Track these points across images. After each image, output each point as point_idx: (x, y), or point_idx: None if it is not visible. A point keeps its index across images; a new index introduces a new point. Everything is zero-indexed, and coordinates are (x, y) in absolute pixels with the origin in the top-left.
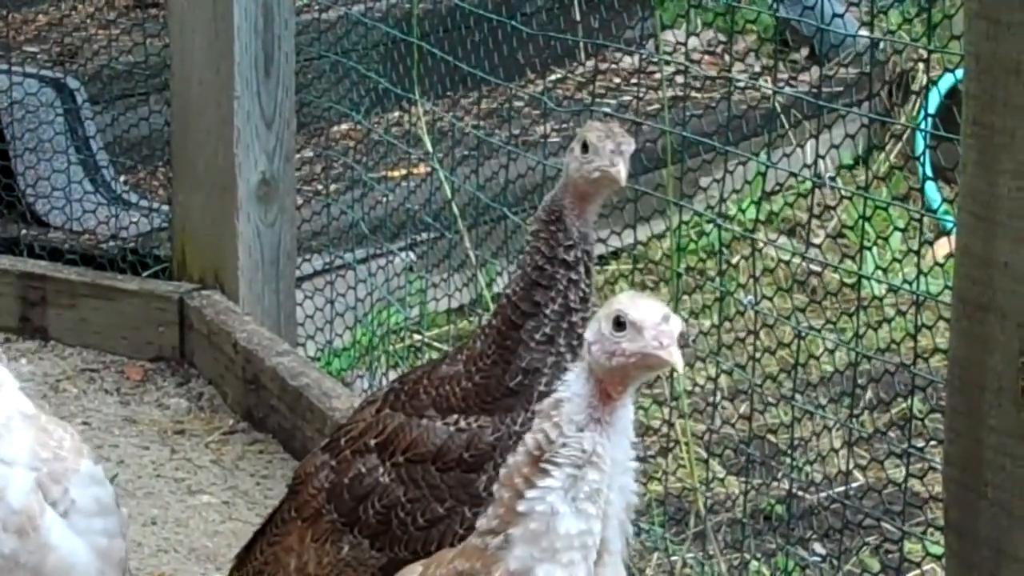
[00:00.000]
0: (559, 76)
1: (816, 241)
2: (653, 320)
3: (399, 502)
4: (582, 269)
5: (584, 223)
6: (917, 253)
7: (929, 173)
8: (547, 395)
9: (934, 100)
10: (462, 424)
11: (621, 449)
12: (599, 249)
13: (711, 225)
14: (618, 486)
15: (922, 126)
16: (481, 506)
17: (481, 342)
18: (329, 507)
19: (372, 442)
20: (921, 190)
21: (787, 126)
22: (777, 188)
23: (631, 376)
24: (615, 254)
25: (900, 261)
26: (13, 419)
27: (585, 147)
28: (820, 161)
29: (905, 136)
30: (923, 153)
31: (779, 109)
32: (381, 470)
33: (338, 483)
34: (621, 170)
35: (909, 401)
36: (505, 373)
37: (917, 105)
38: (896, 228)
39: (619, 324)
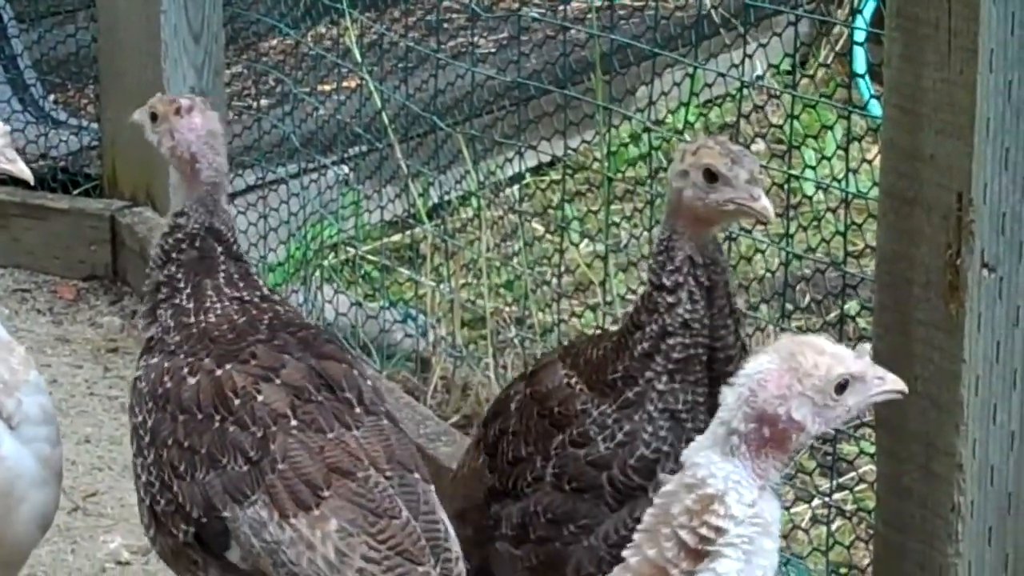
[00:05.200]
0: None
1: (749, 144)
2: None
3: (508, 431)
4: (683, 294)
5: (698, 248)
6: (846, 151)
7: (861, 70)
8: (632, 404)
9: (868, 5)
10: (571, 382)
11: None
12: (532, 159)
13: (645, 132)
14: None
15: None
16: (550, 462)
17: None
18: (487, 416)
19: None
20: (849, 87)
21: (717, 29)
22: (710, 97)
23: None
24: (551, 163)
25: (829, 159)
26: None
27: (711, 176)
28: (749, 61)
29: (841, 41)
30: (851, 49)
31: (709, 9)
32: (516, 395)
33: (499, 397)
34: (767, 204)
35: (840, 301)
36: (611, 366)
37: (851, 8)
38: (824, 126)
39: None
